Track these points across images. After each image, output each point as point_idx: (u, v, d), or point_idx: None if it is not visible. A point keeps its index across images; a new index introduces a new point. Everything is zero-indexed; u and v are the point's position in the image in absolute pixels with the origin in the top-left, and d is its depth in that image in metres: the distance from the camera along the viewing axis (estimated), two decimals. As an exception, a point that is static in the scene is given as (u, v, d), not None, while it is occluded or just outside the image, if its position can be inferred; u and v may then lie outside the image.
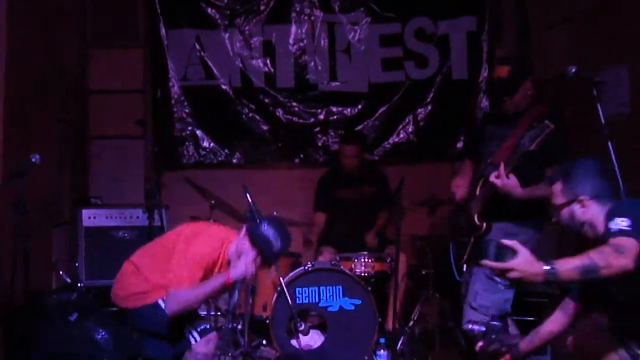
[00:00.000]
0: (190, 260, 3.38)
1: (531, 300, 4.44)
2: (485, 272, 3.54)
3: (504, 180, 3.40)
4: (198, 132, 6.07)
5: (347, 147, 5.29)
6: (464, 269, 3.78)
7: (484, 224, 3.64)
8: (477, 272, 3.60)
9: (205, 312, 5.20)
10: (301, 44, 6.12)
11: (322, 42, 6.12)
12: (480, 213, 3.66)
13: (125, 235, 5.06)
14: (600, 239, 2.55)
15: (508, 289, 3.58)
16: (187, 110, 6.06)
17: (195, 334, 3.51)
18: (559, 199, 2.76)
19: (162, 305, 3.39)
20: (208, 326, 3.60)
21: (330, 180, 5.43)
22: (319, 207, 5.39)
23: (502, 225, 3.64)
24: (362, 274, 4.69)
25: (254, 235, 3.42)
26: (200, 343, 3.49)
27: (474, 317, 3.51)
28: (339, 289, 4.48)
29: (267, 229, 3.42)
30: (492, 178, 3.41)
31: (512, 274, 2.50)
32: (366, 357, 4.41)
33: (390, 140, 6.17)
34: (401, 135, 6.17)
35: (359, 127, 6.13)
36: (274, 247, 3.42)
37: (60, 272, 4.86)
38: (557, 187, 2.77)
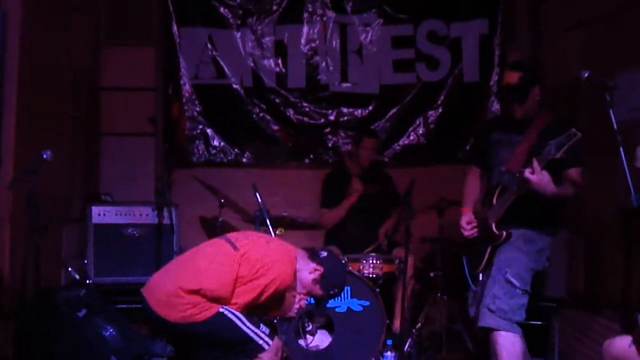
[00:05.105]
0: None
1: (540, 304, 4.43)
2: (504, 276, 3.56)
3: (540, 175, 3.36)
4: (208, 131, 6.06)
5: (369, 139, 5.35)
6: (480, 278, 3.77)
7: (504, 232, 3.64)
8: (496, 276, 3.59)
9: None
10: (313, 45, 6.11)
11: (334, 43, 6.11)
12: (498, 222, 3.65)
13: (135, 232, 5.06)
14: None
15: (524, 295, 3.57)
16: (198, 109, 6.06)
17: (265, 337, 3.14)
18: None
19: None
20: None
21: (335, 179, 5.44)
22: (326, 204, 5.39)
23: (522, 232, 3.66)
24: (371, 275, 4.69)
25: (328, 274, 3.27)
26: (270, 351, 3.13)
27: (491, 320, 3.51)
28: (347, 289, 4.47)
29: (336, 270, 3.32)
30: (527, 174, 3.37)
31: None
32: (373, 359, 4.41)
33: (400, 142, 6.16)
34: (411, 137, 6.16)
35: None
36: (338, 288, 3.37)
37: (69, 269, 4.88)
38: None
